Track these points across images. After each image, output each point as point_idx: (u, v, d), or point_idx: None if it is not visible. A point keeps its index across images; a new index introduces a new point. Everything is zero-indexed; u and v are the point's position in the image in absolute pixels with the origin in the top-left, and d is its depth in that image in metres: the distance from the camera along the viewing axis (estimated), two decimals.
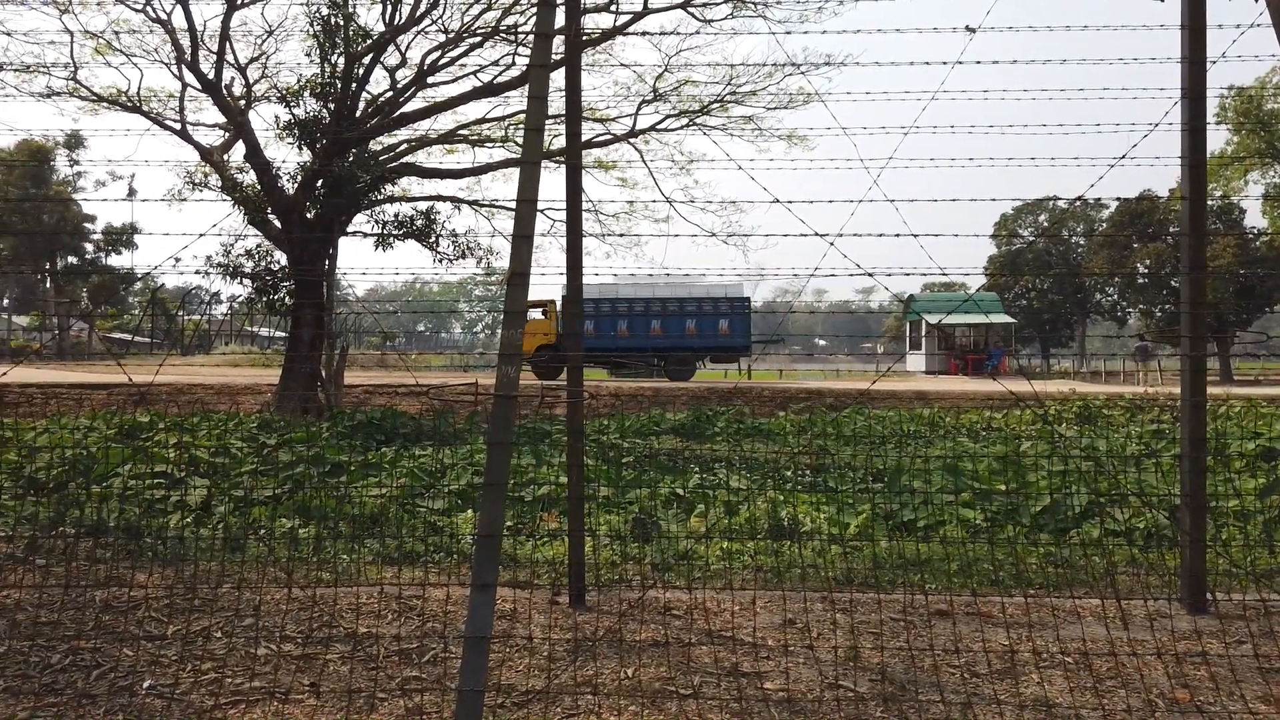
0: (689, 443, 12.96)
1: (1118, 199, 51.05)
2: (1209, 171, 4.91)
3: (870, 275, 3.97)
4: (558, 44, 4.63)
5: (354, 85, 17.11)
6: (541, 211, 18.10)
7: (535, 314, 31.42)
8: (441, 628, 4.27)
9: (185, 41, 16.75)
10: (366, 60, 17.17)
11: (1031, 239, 56.34)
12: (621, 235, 21.30)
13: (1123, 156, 4.19)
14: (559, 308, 30.40)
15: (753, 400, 20.92)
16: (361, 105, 17.59)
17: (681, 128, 19.44)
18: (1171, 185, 41.82)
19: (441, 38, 17.65)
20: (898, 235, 4.30)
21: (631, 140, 19.47)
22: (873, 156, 4.75)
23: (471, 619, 2.93)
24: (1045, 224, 58.12)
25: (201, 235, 4.24)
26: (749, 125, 19.17)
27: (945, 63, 4.62)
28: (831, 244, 3.95)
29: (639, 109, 18.95)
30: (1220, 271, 35.75)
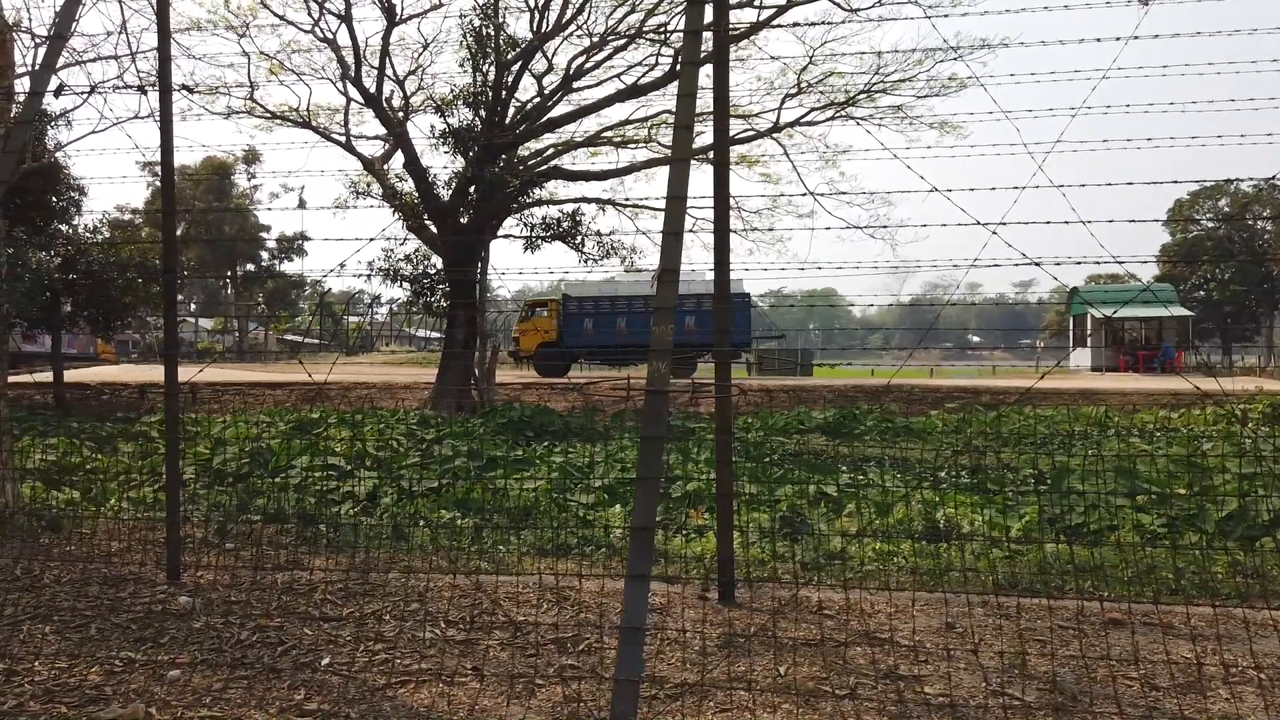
0: (836, 441, 12.71)
1: None
2: None
3: (1037, 264, 3.77)
4: (705, 40, 4.63)
5: (503, 93, 17.69)
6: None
7: (538, 312, 31.98)
8: (595, 618, 4.35)
9: (349, 58, 17.76)
10: (515, 68, 17.71)
11: (1213, 223, 52.06)
12: (766, 230, 21.11)
13: None
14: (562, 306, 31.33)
15: (902, 399, 20.31)
16: (510, 112, 18.15)
17: (826, 120, 19.10)
18: None
19: (586, 42, 18.00)
20: (1066, 223, 4.07)
21: (775, 135, 19.27)
22: (1037, 141, 4.52)
23: (627, 610, 2.97)
24: (1226, 209, 53.63)
25: (371, 240, 4.48)
26: (897, 114, 18.64)
27: (1119, 38, 4.34)
28: (994, 233, 3.79)
29: (782, 103, 18.74)
30: None
